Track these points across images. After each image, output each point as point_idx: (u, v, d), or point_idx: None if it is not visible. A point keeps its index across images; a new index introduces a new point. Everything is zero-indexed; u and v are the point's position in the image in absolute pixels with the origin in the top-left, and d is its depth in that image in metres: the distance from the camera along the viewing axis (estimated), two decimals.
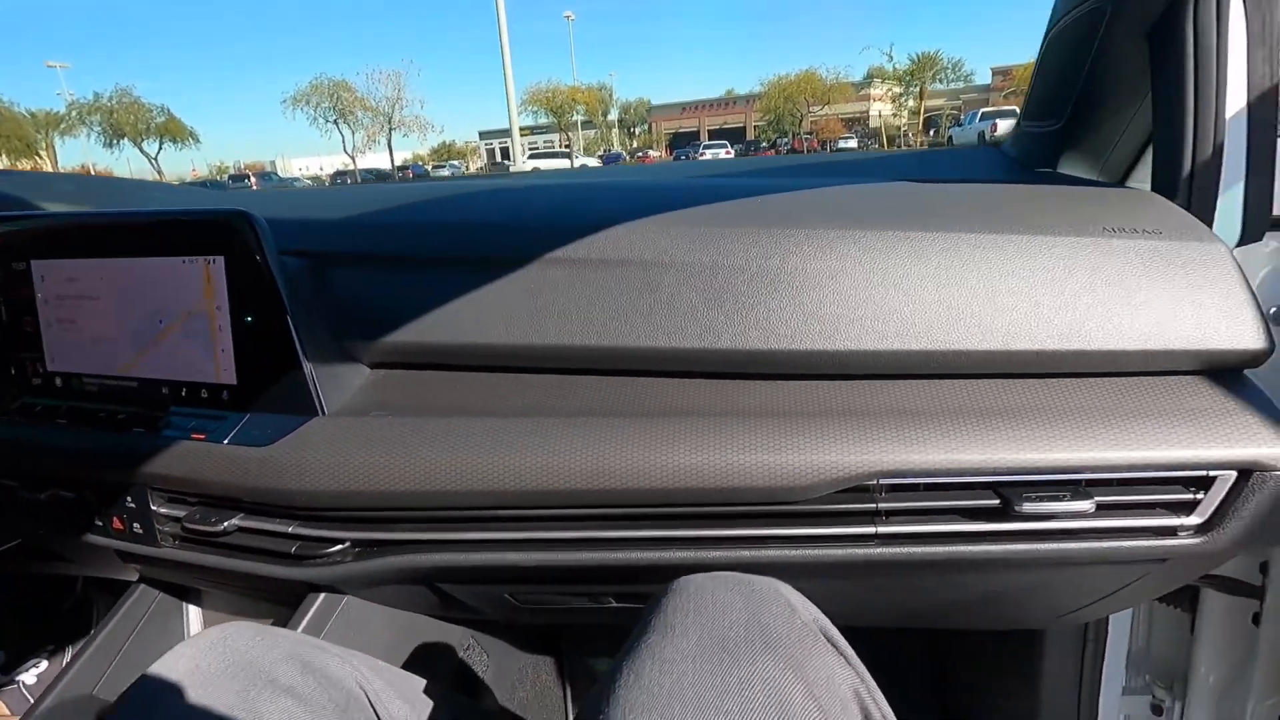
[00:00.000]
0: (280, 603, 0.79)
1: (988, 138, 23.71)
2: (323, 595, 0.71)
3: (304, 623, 0.69)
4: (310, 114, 22.81)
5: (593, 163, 39.30)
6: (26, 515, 0.79)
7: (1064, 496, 0.52)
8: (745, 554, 0.58)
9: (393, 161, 19.22)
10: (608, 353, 0.61)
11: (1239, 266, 0.54)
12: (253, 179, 30.73)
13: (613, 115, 52.03)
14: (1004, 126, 23.49)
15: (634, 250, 0.61)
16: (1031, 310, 0.54)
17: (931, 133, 32.18)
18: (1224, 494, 0.52)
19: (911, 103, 21.61)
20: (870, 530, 0.56)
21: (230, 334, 0.66)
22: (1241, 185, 0.62)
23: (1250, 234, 0.64)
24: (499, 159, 62.20)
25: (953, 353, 0.55)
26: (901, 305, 0.55)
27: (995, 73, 50.40)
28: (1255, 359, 0.53)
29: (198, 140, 37.48)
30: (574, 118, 36.91)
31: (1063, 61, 0.71)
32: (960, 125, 27.59)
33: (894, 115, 22.48)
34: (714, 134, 54.14)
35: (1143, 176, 0.78)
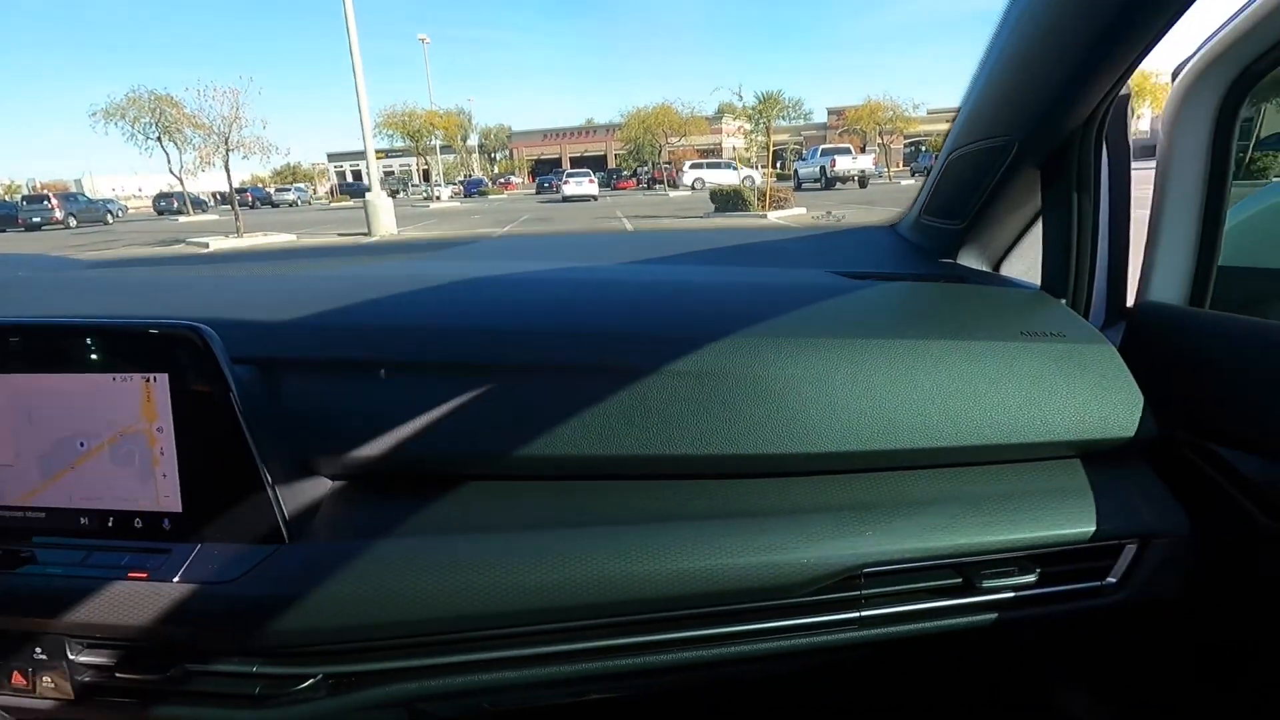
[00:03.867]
0: None
1: (828, 172, 25.99)
2: None
3: None
4: (127, 129, 20.38)
5: (449, 191, 38.26)
6: None
7: (1013, 571, 0.60)
8: (744, 648, 0.60)
9: (230, 185, 17.62)
10: (595, 460, 0.62)
11: (1123, 362, 0.66)
12: (54, 200, 26.80)
13: (473, 140, 51.17)
14: (841, 163, 25.87)
15: (619, 358, 0.63)
16: (975, 408, 0.62)
17: (779, 165, 34.64)
18: (1129, 560, 0.62)
19: (761, 138, 23.17)
20: (855, 615, 0.60)
21: (174, 456, 0.59)
22: (1106, 282, 0.75)
23: (1110, 322, 0.77)
24: (350, 181, 59.03)
25: (915, 450, 0.61)
26: (870, 407, 0.61)
27: (830, 112, 55.32)
28: (1147, 441, 0.64)
29: None
30: (432, 142, 35.84)
31: (966, 177, 0.82)
32: (804, 159, 29.97)
33: (746, 149, 23.97)
34: (575, 161, 54.81)
35: (1013, 265, 0.93)
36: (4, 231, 25.46)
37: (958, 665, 0.75)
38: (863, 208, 15.29)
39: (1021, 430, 0.61)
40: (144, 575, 0.58)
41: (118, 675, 0.61)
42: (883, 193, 21.93)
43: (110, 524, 0.61)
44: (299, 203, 43.58)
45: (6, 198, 38.47)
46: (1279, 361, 0.56)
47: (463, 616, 0.57)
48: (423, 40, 39.14)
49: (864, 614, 0.60)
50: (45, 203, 26.62)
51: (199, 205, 33.13)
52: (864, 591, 0.60)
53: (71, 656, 0.62)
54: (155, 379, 0.59)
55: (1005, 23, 0.67)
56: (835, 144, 31.23)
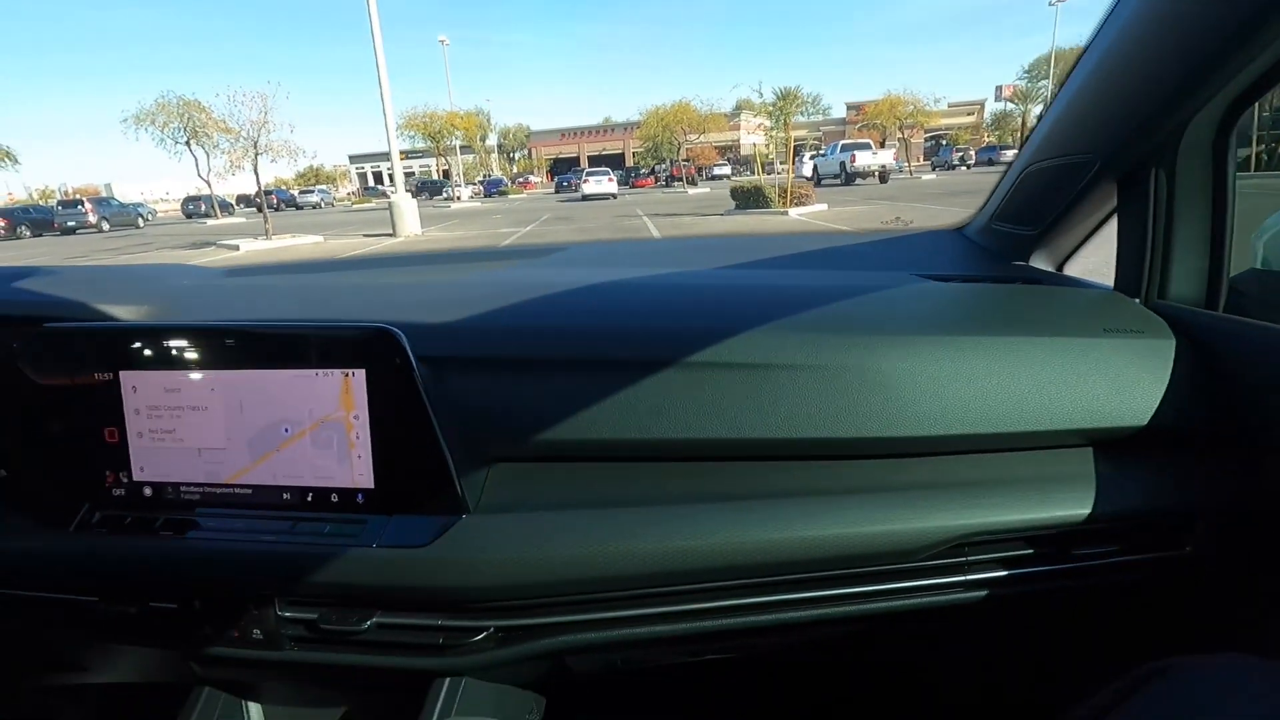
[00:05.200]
0: (389, 691, 0.80)
1: (848, 168, 25.87)
2: (447, 681, 0.75)
3: (435, 712, 0.72)
4: (157, 135, 20.81)
5: (468, 191, 38.54)
6: (104, 630, 0.76)
7: (1101, 541, 0.68)
8: (866, 607, 0.69)
9: (260, 187, 17.96)
10: (728, 444, 0.70)
11: (1196, 357, 0.72)
12: (88, 205, 27.49)
13: (491, 140, 51.54)
14: (861, 158, 25.72)
15: (744, 354, 0.71)
16: (1067, 396, 0.69)
17: (798, 160, 34.58)
18: (1203, 532, 0.69)
19: (780, 134, 23.12)
20: (960, 579, 0.69)
21: (369, 440, 0.69)
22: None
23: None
24: (372, 184, 59.73)
25: (1013, 434, 0.69)
26: (972, 396, 0.69)
27: (849, 107, 54.92)
28: (1210, 429, 0.70)
29: (15, 161, 33.23)
30: (452, 142, 36.20)
31: (1043, 189, 0.90)
32: (823, 155, 29.84)
33: (766, 145, 24.00)
34: (594, 160, 54.98)
35: (1074, 265, 1.00)
36: (41, 235, 26.18)
37: (1050, 628, 0.83)
38: (886, 202, 15.18)
39: (1108, 416, 0.69)
40: (344, 543, 0.68)
41: (321, 628, 0.70)
42: (903, 188, 21.76)
43: (309, 499, 0.71)
44: (322, 204, 44.27)
45: (42, 202, 39.49)
46: None
47: (613, 577, 0.66)
48: (443, 42, 39.49)
49: (969, 577, 0.69)
50: (79, 207, 27.27)
51: (225, 208, 33.73)
52: (969, 558, 0.68)
53: (280, 612, 0.72)
54: (354, 374, 0.68)
55: (1094, 44, 0.75)
56: (855, 139, 31.08)
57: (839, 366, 0.70)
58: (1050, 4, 39.18)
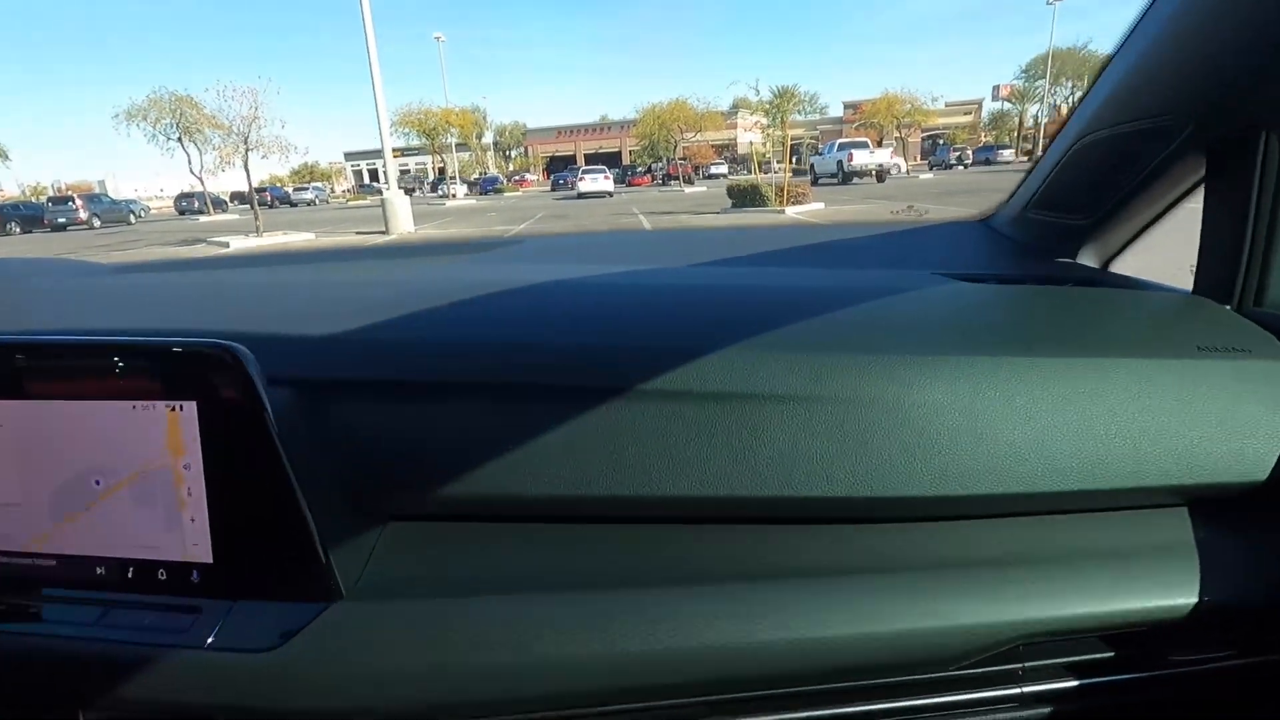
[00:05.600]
0: None
1: (845, 166, 25.67)
2: None
3: None
4: (149, 130, 20.64)
5: (463, 189, 38.41)
6: None
7: (1208, 641, 0.50)
8: None
9: (250, 184, 17.73)
10: (698, 502, 0.52)
11: None
12: (79, 201, 27.13)
13: (487, 138, 51.23)
14: (859, 157, 25.53)
15: (720, 381, 0.53)
16: (1161, 441, 0.51)
17: (795, 159, 34.34)
18: None
19: (778, 132, 22.96)
20: (1015, 690, 0.50)
21: (204, 497, 0.50)
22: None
23: None
24: (367, 181, 59.42)
25: (1089, 493, 0.51)
26: (1029, 440, 0.51)
27: (847, 106, 54.82)
28: None
29: (5, 157, 32.90)
30: (448, 140, 35.91)
31: (1106, 165, 0.72)
32: (820, 154, 29.65)
33: (763, 144, 23.74)
34: (590, 158, 54.82)
35: (1125, 263, 0.82)
36: (30, 232, 25.88)
37: None
38: (884, 202, 15.07)
39: (1213, 468, 0.51)
40: (169, 639, 0.50)
41: None
42: (900, 188, 21.60)
43: (130, 575, 0.52)
44: (316, 202, 43.93)
45: (33, 199, 39.14)
46: None
47: (550, 695, 0.48)
48: (438, 39, 39.22)
49: (1026, 689, 0.50)
50: (70, 204, 26.95)
51: (219, 205, 33.43)
52: (1025, 663, 0.50)
53: None
54: (182, 407, 0.50)
55: None
56: (852, 138, 30.87)
57: (846, 398, 0.52)
58: (1048, 3, 39.06)
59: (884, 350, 0.54)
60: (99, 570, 0.53)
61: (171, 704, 0.50)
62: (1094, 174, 0.74)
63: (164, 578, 0.52)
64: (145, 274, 0.93)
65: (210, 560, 0.51)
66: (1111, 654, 0.51)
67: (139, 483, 0.51)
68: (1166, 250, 0.84)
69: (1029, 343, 0.57)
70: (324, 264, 0.98)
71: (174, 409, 0.50)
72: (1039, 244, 0.85)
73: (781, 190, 14.84)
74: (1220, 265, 0.63)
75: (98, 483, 0.52)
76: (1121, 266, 0.87)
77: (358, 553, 0.53)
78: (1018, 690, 0.51)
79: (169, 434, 0.50)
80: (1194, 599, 0.48)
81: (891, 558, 0.51)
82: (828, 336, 0.57)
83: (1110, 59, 0.68)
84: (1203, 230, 0.65)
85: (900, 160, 32.12)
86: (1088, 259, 0.81)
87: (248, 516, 0.51)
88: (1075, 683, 0.51)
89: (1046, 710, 0.51)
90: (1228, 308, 0.63)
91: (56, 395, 0.51)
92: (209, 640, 0.49)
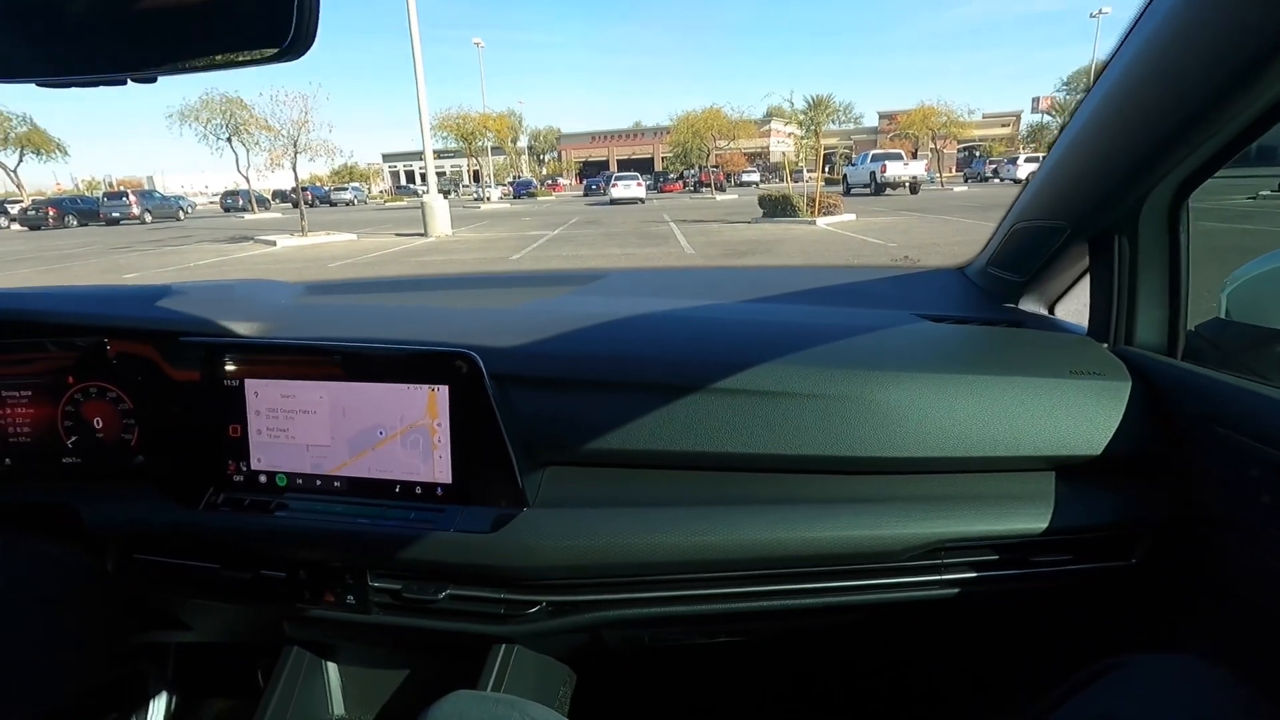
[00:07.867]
0: (448, 654, 0.95)
1: (878, 178, 25.77)
2: (503, 647, 0.89)
3: (494, 671, 0.87)
4: (200, 130, 21.48)
5: (498, 192, 38.89)
6: (219, 592, 0.92)
7: (1054, 552, 0.80)
8: (855, 599, 0.82)
9: (297, 185, 18.46)
10: (743, 458, 0.84)
11: (1142, 395, 0.84)
12: (132, 197, 28.40)
13: (522, 142, 52.07)
14: (892, 168, 25.56)
15: (763, 383, 0.84)
16: (1035, 428, 0.81)
17: (828, 169, 34.47)
18: (1148, 546, 0.81)
19: (811, 142, 23.11)
20: (935, 578, 0.81)
21: (449, 444, 0.83)
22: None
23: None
24: (404, 183, 60.64)
25: (985, 458, 0.81)
26: (954, 424, 0.81)
27: (881, 116, 54.46)
28: (1154, 455, 0.82)
29: (65, 152, 34.39)
30: (484, 143, 36.74)
31: (1029, 244, 1.02)
32: (853, 165, 29.68)
33: (797, 154, 23.97)
34: (623, 164, 55.15)
35: (1067, 305, 1.12)
36: (86, 225, 27.09)
37: (1014, 627, 0.95)
38: (916, 214, 15.09)
39: (1068, 445, 0.81)
40: (425, 528, 0.83)
41: (403, 596, 0.85)
42: (935, 200, 21.59)
43: (397, 490, 0.86)
44: (355, 202, 45.11)
45: (88, 193, 40.73)
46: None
47: (643, 564, 0.80)
48: (477, 44, 40.01)
49: (943, 577, 0.81)
50: (124, 199, 28.12)
51: (262, 203, 34.54)
52: (944, 560, 0.81)
53: (370, 583, 0.87)
54: (439, 389, 0.83)
55: (1072, 121, 0.87)
56: (886, 149, 30.89)
57: (839, 396, 0.83)
58: (1091, 16, 38.63)
59: (868, 366, 0.85)
60: (377, 486, 0.86)
61: (424, 564, 0.83)
62: (1022, 249, 1.05)
63: (419, 492, 0.85)
64: (338, 295, 1.28)
65: (450, 481, 0.84)
66: (996, 557, 0.81)
67: (408, 433, 0.85)
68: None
69: (964, 364, 0.87)
70: (462, 290, 1.32)
71: (433, 389, 0.83)
72: (996, 292, 1.15)
73: (813, 200, 15.06)
74: (1102, 315, 0.93)
75: (381, 433, 0.85)
76: (1069, 306, 1.16)
77: (533, 482, 0.86)
78: (939, 578, 0.81)
79: (428, 404, 0.84)
80: (1046, 524, 0.79)
81: (863, 494, 0.82)
82: (831, 355, 0.88)
83: (1039, 166, 0.98)
84: (1090, 293, 0.95)
85: (933, 173, 31.95)
86: (1029, 304, 1.12)
87: (474, 456, 0.83)
88: (974, 575, 0.81)
89: (955, 591, 0.82)
90: (1104, 345, 0.92)
91: (359, 378, 0.85)
92: (451, 528, 0.82)
